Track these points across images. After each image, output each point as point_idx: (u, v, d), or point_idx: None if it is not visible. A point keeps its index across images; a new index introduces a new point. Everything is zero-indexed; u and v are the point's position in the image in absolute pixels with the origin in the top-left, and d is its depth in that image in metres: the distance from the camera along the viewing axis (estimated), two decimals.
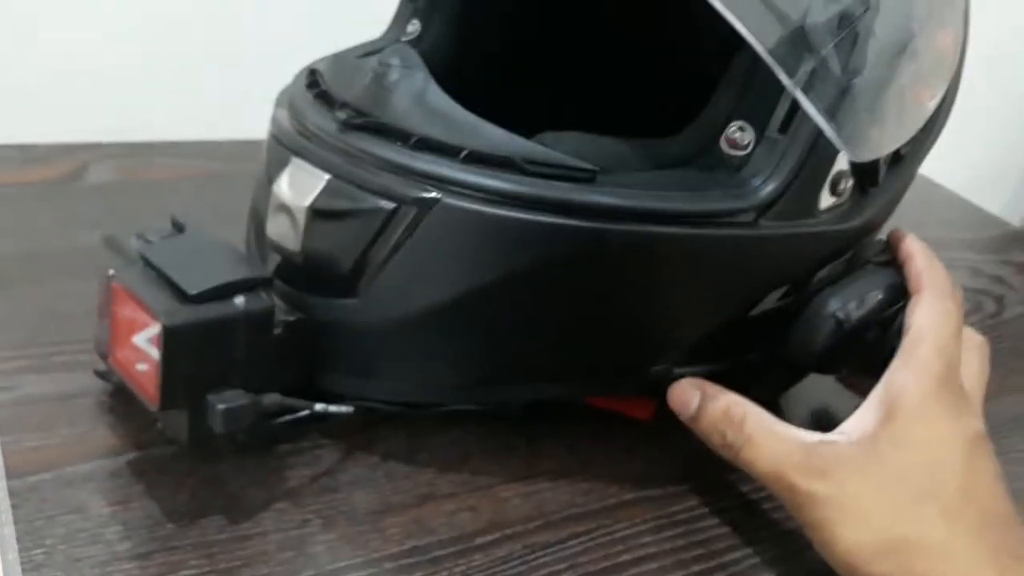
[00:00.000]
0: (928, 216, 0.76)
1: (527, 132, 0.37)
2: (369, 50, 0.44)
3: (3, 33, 0.63)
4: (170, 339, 0.31)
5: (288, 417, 0.36)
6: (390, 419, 0.40)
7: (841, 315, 0.38)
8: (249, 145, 0.63)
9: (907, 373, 0.36)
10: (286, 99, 0.41)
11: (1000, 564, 0.32)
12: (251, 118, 0.66)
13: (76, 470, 0.36)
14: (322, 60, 0.43)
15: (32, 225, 0.52)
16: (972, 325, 0.61)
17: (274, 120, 0.40)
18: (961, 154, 0.94)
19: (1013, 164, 1.19)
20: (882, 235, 0.43)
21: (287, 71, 0.44)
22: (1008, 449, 0.49)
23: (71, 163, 0.59)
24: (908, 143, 0.40)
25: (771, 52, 0.32)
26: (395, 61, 0.37)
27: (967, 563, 0.32)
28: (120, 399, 0.39)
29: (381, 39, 0.46)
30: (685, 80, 0.40)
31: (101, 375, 0.39)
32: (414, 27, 0.45)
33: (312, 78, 0.40)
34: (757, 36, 0.31)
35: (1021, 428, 0.51)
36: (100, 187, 0.58)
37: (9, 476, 0.35)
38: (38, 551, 0.32)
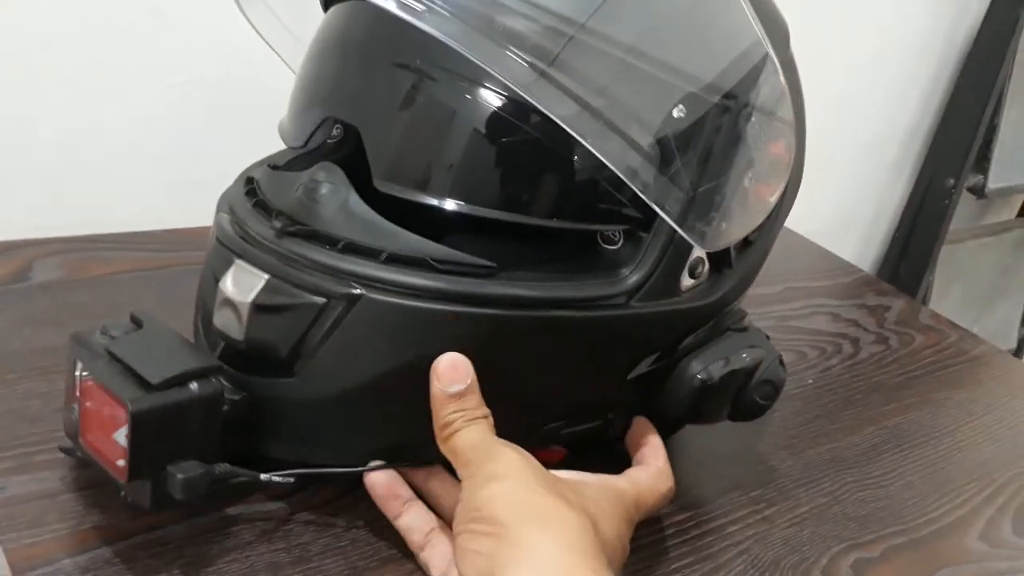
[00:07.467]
0: (794, 264, 0.85)
1: (435, 228, 0.43)
2: (295, 155, 0.50)
3: None
4: (136, 422, 0.36)
5: (235, 480, 0.42)
6: (352, 490, 0.45)
7: (704, 375, 0.46)
8: (182, 234, 0.67)
9: None
10: (227, 204, 0.46)
11: None
12: (184, 207, 0.69)
13: (74, 562, 0.39)
14: (257, 167, 0.48)
15: None
16: (833, 367, 0.70)
17: (217, 224, 0.45)
18: (819, 204, 1.04)
19: (862, 214, 1.31)
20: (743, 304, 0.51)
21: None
22: (863, 476, 0.57)
23: (16, 261, 0.60)
24: (755, 231, 0.48)
25: (629, 174, 0.39)
26: (322, 176, 0.43)
27: None
28: (103, 493, 0.42)
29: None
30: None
31: (66, 451, 0.43)
32: (338, 130, 0.51)
33: (250, 186, 0.46)
34: (617, 164, 0.39)
35: (875, 456, 0.59)
36: (47, 285, 0.59)
37: (14, 573, 0.38)
38: None
